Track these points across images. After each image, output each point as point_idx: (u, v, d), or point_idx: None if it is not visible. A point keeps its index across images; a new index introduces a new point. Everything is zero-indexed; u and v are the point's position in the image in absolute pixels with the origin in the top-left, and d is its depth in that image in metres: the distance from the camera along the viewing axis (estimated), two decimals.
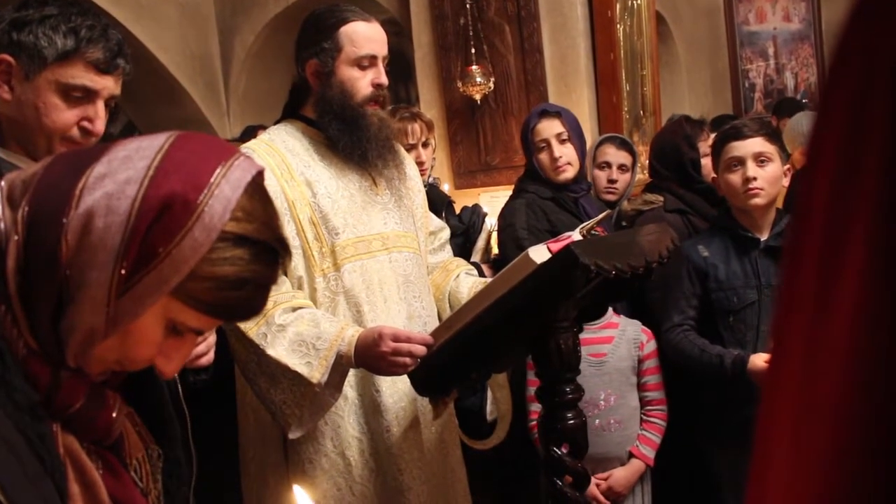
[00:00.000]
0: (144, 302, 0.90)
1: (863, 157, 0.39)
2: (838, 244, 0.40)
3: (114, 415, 0.98)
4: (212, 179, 0.91)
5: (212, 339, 1.71)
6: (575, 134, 3.03)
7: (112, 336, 0.91)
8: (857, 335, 0.38)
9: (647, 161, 3.44)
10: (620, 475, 2.67)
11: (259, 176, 0.97)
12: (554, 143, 2.96)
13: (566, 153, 2.97)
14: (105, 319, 0.89)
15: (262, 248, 0.95)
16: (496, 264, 3.15)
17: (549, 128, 2.99)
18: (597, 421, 2.64)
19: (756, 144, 2.52)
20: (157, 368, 1.00)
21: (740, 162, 2.53)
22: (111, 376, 1.00)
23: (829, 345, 0.40)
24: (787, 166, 2.62)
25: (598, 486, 2.65)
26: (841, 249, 0.40)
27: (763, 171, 2.51)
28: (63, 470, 0.90)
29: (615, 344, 2.73)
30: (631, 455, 2.70)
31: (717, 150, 2.63)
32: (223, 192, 0.91)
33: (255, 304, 0.98)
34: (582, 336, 2.68)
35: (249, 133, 4.91)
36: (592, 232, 2.20)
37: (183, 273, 0.90)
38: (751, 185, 2.49)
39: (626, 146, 3.51)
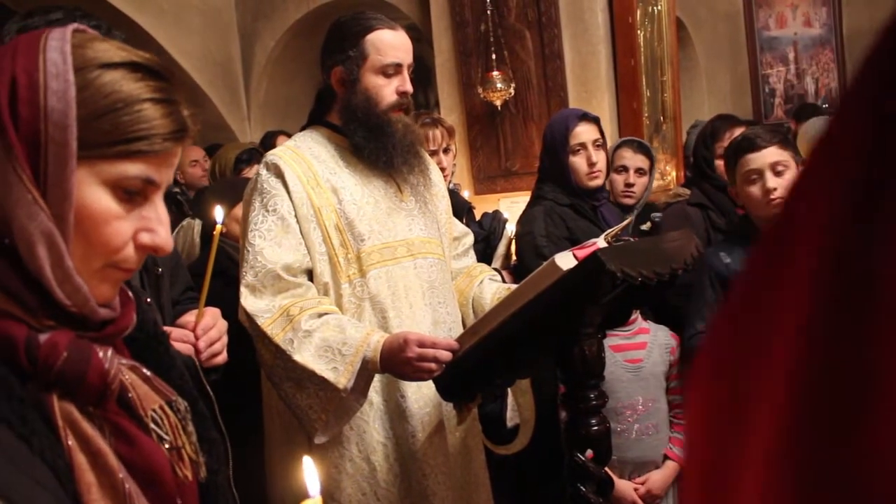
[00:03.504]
0: (66, 178, 0.89)
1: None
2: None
3: (106, 366, 0.93)
4: (39, 44, 0.92)
5: (225, 338, 1.73)
6: (605, 142, 3.05)
7: (72, 237, 0.90)
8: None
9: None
10: (658, 478, 2.69)
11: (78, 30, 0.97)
12: (591, 148, 2.95)
13: (601, 160, 2.97)
14: (48, 217, 0.88)
15: (133, 66, 0.94)
16: (516, 271, 3.16)
17: (589, 132, 2.97)
18: (636, 426, 2.67)
19: (772, 154, 2.52)
20: (149, 247, 0.97)
21: (758, 174, 2.53)
22: (113, 328, 0.97)
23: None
24: None
25: (636, 490, 2.67)
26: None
27: (782, 180, 2.52)
28: (55, 446, 0.86)
29: (649, 349, 2.75)
30: (665, 457, 2.72)
31: (731, 163, 2.64)
32: (52, 45, 0.91)
33: (166, 119, 0.95)
34: (617, 342, 2.71)
35: (269, 138, 4.93)
36: (617, 238, 2.21)
37: (72, 128, 0.88)
38: (772, 196, 2.50)
39: (643, 150, 3.52)
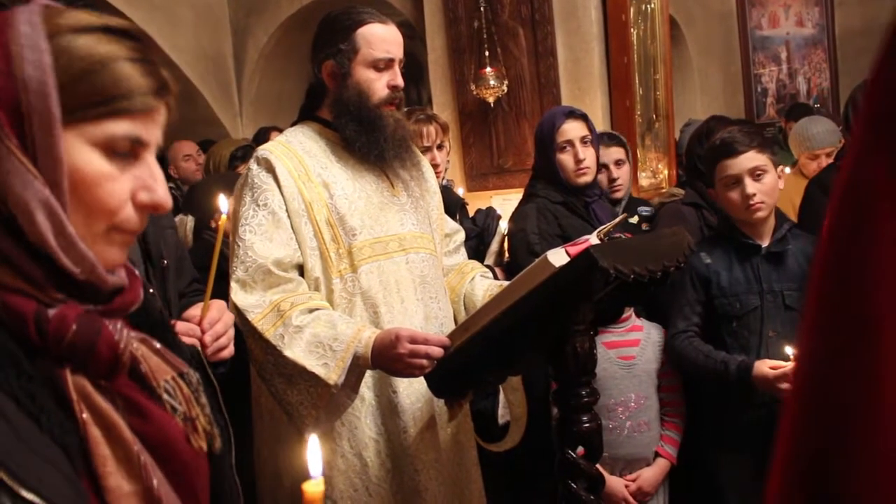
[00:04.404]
0: (54, 144, 0.89)
1: None
2: None
3: (116, 337, 0.92)
4: (7, 20, 0.91)
5: (231, 332, 1.71)
6: (595, 139, 3.04)
7: (69, 203, 0.90)
8: None
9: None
10: (649, 475, 2.70)
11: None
12: (578, 145, 2.95)
13: (589, 156, 2.97)
14: (43, 184, 0.88)
15: (106, 29, 0.94)
16: (509, 268, 3.15)
17: (575, 129, 2.97)
18: (628, 423, 2.67)
19: (749, 160, 2.52)
20: (148, 205, 0.96)
21: (737, 180, 2.53)
22: (121, 300, 0.97)
23: None
24: (781, 167, 2.62)
25: (627, 487, 2.67)
26: None
27: (760, 184, 2.51)
28: (65, 423, 0.86)
29: (642, 346, 2.75)
30: (656, 455, 2.72)
31: (710, 167, 2.63)
32: (21, 18, 0.91)
33: (145, 77, 0.95)
34: (610, 339, 2.71)
35: (262, 134, 4.92)
36: (610, 235, 2.20)
37: (52, 95, 0.88)
38: (752, 202, 2.50)
39: (615, 140, 3.56)
